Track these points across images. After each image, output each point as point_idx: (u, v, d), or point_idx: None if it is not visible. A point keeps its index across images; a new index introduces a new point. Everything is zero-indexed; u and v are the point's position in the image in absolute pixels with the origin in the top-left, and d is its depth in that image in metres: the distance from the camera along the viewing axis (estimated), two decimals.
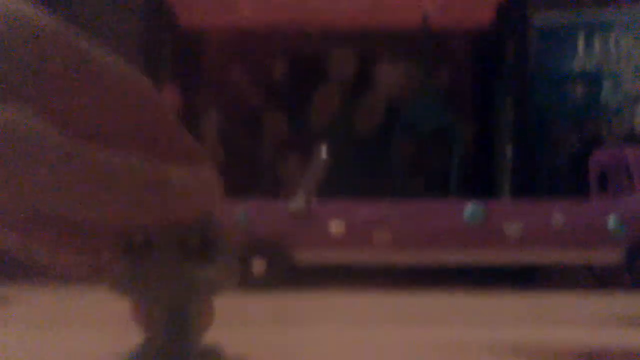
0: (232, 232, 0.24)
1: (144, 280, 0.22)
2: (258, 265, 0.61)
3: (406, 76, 0.86)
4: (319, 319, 0.45)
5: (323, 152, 0.66)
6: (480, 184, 0.87)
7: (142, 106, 0.22)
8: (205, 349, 0.25)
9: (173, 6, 0.80)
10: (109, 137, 0.21)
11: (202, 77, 0.88)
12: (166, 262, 0.22)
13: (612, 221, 0.63)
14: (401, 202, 0.65)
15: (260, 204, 0.62)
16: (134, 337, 0.25)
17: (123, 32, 0.77)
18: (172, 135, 0.23)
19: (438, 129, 0.79)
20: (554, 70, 0.98)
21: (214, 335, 0.29)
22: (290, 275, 0.63)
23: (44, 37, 0.19)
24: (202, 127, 0.84)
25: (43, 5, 0.19)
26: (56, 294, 0.57)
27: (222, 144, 0.84)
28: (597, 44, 1.00)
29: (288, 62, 0.84)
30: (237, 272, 0.24)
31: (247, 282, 0.59)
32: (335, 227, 0.60)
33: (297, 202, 0.62)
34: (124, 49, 0.81)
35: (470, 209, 0.64)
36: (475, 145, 0.88)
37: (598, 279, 0.74)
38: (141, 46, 0.77)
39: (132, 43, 0.76)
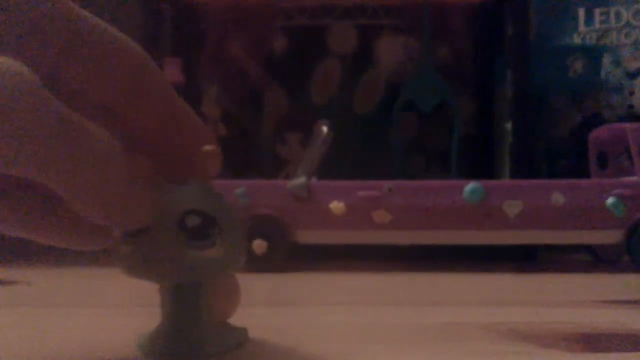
0: (239, 211, 0.24)
1: (147, 263, 0.22)
2: (259, 246, 0.60)
3: (406, 51, 0.85)
4: (320, 299, 0.45)
5: (324, 129, 0.65)
6: (480, 162, 0.87)
7: (141, 78, 0.22)
8: (227, 330, 0.26)
9: None
10: (106, 111, 0.21)
11: (204, 52, 0.87)
12: (167, 244, 0.22)
13: (611, 201, 0.63)
14: (400, 181, 0.65)
15: (260, 182, 0.62)
16: (147, 319, 0.25)
17: (124, 5, 0.76)
18: (171, 111, 0.23)
19: (438, 105, 0.78)
20: (554, 45, 0.97)
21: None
22: (292, 255, 0.63)
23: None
24: (204, 103, 0.83)
25: None
26: (64, 275, 0.57)
27: (223, 121, 0.84)
28: (597, 19, 0.99)
29: (289, 37, 0.83)
30: (245, 251, 0.25)
31: (249, 263, 0.58)
32: (336, 207, 0.60)
33: (298, 181, 0.61)
34: (125, 22, 0.80)
35: (469, 188, 0.63)
36: (475, 122, 0.88)
37: (597, 259, 0.74)
38: (143, 20, 0.75)
39: (134, 16, 0.75)
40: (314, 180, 0.65)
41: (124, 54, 0.21)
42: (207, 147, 0.24)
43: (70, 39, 0.19)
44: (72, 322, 0.36)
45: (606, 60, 0.89)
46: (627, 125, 0.70)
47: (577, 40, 0.93)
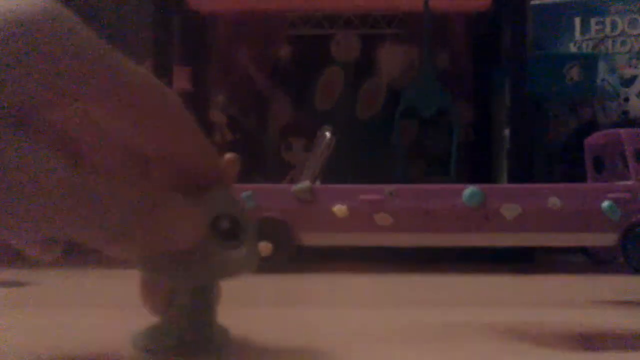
0: (253, 216, 0.26)
1: (178, 262, 0.24)
2: (264, 248, 0.62)
3: (407, 59, 0.86)
4: (323, 300, 0.47)
5: (328, 135, 0.67)
6: (478, 166, 0.88)
7: (170, 120, 0.23)
8: (219, 329, 0.27)
9: None
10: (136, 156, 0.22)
11: (212, 61, 0.88)
12: (200, 245, 0.23)
13: (606, 205, 0.64)
14: (401, 185, 0.66)
15: (265, 186, 0.63)
16: (145, 317, 0.26)
17: (133, 15, 0.78)
18: (198, 153, 0.24)
19: (438, 111, 0.79)
20: (551, 53, 0.99)
21: (223, 317, 0.31)
22: (296, 257, 0.64)
23: (83, 51, 0.20)
24: (212, 110, 0.84)
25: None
26: (69, 276, 0.58)
27: (230, 126, 0.86)
28: (593, 28, 1.01)
29: (294, 46, 0.85)
30: (258, 254, 0.26)
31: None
32: (339, 210, 0.62)
33: (302, 185, 0.63)
34: (135, 32, 0.82)
35: (469, 192, 0.64)
36: (474, 128, 0.89)
37: (593, 261, 0.76)
38: (152, 29, 0.76)
39: (145, 27, 0.76)
40: (317, 184, 0.67)
41: (158, 101, 0.21)
42: (229, 155, 0.26)
43: (112, 89, 0.20)
44: (76, 321, 0.36)
45: (602, 68, 0.91)
46: (622, 131, 0.72)
47: (573, 48, 0.95)
